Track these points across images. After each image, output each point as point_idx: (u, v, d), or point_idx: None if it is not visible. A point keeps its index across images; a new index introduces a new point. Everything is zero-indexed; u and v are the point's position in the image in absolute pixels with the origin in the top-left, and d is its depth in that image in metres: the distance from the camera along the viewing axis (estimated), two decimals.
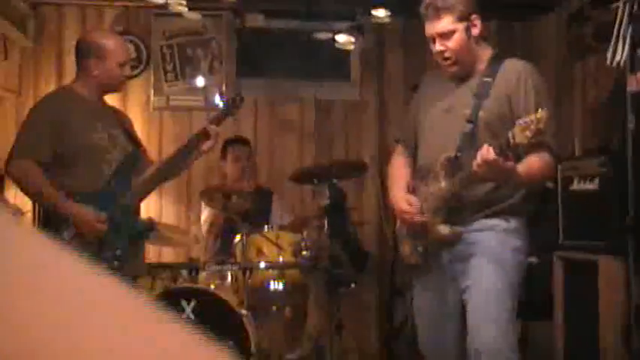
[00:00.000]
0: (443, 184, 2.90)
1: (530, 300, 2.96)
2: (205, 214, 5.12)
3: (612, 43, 3.39)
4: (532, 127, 2.51)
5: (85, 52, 3.44)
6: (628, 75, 3.49)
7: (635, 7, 3.36)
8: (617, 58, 3.38)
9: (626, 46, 3.36)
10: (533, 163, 2.84)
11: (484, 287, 2.86)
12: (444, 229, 2.91)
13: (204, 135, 3.55)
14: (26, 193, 3.40)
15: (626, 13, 3.37)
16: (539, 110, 2.55)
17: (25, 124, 3.39)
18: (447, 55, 2.93)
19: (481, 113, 2.89)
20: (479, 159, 2.64)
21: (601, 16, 4.29)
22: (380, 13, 5.25)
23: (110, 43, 3.45)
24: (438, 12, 2.90)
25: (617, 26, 3.40)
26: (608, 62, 3.42)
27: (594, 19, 4.55)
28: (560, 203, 4.05)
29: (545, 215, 3.97)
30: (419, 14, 2.99)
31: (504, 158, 2.62)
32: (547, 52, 5.49)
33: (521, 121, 2.56)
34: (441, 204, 2.91)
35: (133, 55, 5.59)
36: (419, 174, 3.06)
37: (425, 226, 2.95)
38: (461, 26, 2.90)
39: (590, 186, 3.87)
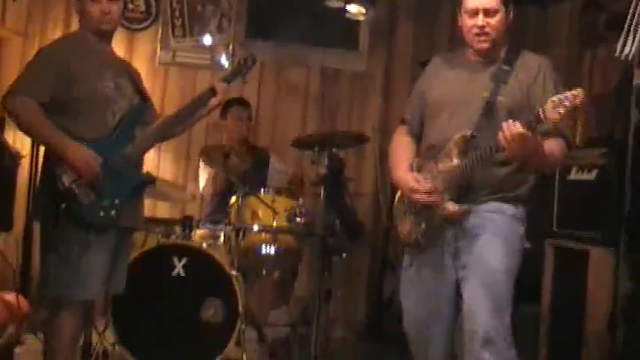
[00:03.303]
0: (455, 161, 2.89)
1: (517, 282, 2.95)
2: (205, 173, 5.12)
3: (623, 35, 3.37)
4: (567, 103, 2.53)
5: None
6: (636, 68, 3.47)
7: None
8: (627, 50, 3.35)
9: (636, 39, 3.33)
10: (552, 146, 2.85)
11: (489, 265, 2.86)
12: (452, 206, 2.91)
13: (213, 93, 3.54)
14: (22, 128, 3.31)
15: (639, 6, 3.34)
16: (577, 89, 2.56)
17: (30, 64, 3.31)
18: (487, 30, 2.95)
19: (500, 98, 2.91)
20: (505, 131, 2.65)
21: (615, 6, 4.25)
22: None
23: None
24: None
25: (629, 18, 3.37)
26: (617, 54, 3.40)
27: (608, 9, 4.51)
28: (556, 191, 4.05)
29: (540, 201, 3.96)
30: None
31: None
32: (559, 38, 5.45)
33: (554, 98, 2.57)
34: (451, 182, 2.90)
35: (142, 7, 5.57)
36: (429, 153, 3.04)
37: (433, 205, 2.94)
38: (503, 10, 2.97)
39: (588, 176, 3.87)
